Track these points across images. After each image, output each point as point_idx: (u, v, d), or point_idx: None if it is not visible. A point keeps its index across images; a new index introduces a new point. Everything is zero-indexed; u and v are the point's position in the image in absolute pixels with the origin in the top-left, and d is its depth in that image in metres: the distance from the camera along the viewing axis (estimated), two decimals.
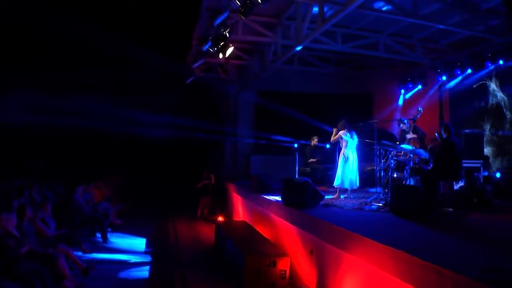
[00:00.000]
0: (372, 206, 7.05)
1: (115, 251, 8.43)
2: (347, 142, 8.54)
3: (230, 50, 8.80)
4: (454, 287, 3.36)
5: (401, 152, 8.04)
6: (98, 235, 9.35)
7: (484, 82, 10.15)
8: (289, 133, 16.33)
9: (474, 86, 10.44)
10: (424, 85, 12.35)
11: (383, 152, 10.33)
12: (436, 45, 11.56)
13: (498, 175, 8.92)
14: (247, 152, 15.69)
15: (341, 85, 15.82)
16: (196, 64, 10.94)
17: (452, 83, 11.09)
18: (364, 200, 7.98)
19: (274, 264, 6.64)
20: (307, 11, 9.24)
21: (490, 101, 9.99)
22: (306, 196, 7.11)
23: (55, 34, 14.00)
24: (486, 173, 8.45)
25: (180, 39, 13.38)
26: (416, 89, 12.65)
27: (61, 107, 14.71)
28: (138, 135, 15.80)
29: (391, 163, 7.32)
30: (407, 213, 5.92)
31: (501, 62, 9.44)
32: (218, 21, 7.60)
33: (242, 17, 7.00)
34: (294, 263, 6.83)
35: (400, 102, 13.24)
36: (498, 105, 9.80)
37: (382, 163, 7.88)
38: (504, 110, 9.65)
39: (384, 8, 9.43)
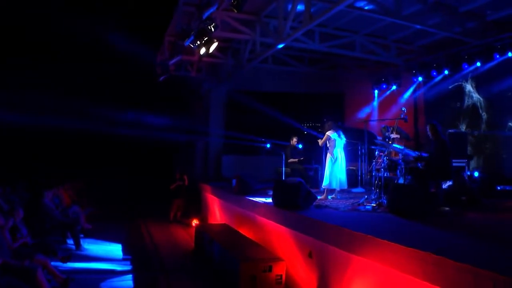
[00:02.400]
0: (367, 207, 6.94)
1: (92, 259, 7.82)
2: (335, 141, 8.42)
3: (214, 46, 8.44)
4: None
5: (391, 152, 8.03)
6: (70, 241, 8.70)
7: (460, 83, 10.39)
8: (261, 133, 16.16)
9: (450, 87, 10.66)
10: (398, 86, 12.51)
11: (366, 151, 10.43)
12: (410, 46, 11.75)
13: (476, 174, 9.14)
14: (219, 152, 15.35)
15: (313, 84, 15.83)
16: (172, 61, 10.45)
17: (429, 84, 11.27)
18: (353, 200, 7.88)
19: (270, 269, 6.37)
20: (291, 8, 9.04)
21: (466, 102, 10.24)
22: (299, 197, 6.88)
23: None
24: (469, 173, 8.61)
25: (154, 34, 12.82)
26: (390, 90, 12.78)
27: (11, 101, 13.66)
28: (104, 134, 14.97)
29: (384, 162, 7.24)
30: (408, 212, 5.84)
31: (478, 64, 9.66)
32: (206, 14, 7.23)
33: (235, 10, 6.68)
34: (289, 267, 6.58)
35: (375, 102, 13.33)
36: (474, 106, 10.06)
37: (373, 163, 7.80)
38: (480, 111, 9.91)
39: (366, 8, 9.43)
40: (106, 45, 13.80)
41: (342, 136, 8.56)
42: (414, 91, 11.91)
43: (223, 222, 10.36)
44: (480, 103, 9.89)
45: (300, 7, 9.27)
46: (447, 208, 6.34)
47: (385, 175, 7.55)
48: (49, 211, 8.13)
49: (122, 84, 14.66)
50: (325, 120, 11.90)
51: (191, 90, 15.80)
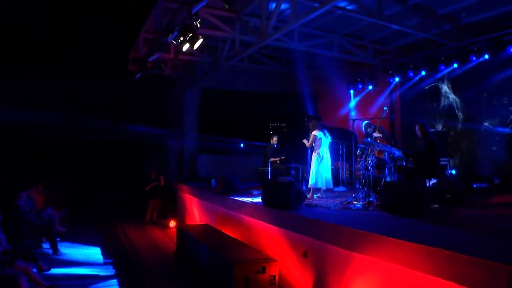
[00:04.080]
0: (357, 205, 6.97)
1: (72, 264, 7.43)
2: (320, 141, 8.41)
3: (199, 42, 8.22)
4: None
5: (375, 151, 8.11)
6: (45, 245, 8.25)
7: (437, 84, 10.67)
8: (236, 132, 16.05)
9: (426, 88, 10.94)
10: (375, 86, 12.71)
11: (345, 150, 10.54)
12: (387, 47, 11.99)
13: (454, 172, 9.42)
14: (194, 152, 15.09)
15: (286, 84, 15.87)
16: (152, 58, 10.12)
17: (405, 84, 11.52)
18: (339, 199, 7.91)
19: (263, 270, 6.28)
20: (275, 7, 8.98)
21: (442, 102, 10.53)
22: (290, 196, 6.81)
23: None
24: (450, 171, 8.85)
25: (127, 31, 12.41)
26: (367, 90, 12.97)
27: None
28: (74, 135, 14.38)
29: (373, 161, 7.31)
30: (402, 210, 5.89)
31: (455, 65, 9.95)
32: (196, 9, 7.04)
33: (226, 5, 6.53)
34: (282, 267, 6.50)
35: (353, 103, 13.50)
36: (450, 106, 10.36)
37: (361, 162, 7.85)
38: (456, 111, 10.23)
39: (348, 7, 9.52)
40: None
41: (328, 135, 8.58)
42: (391, 91, 12.13)
43: (203, 223, 10.16)
44: (456, 104, 10.20)
45: (283, 6, 9.28)
46: (436, 206, 6.46)
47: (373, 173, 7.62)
48: (25, 214, 7.67)
49: (93, 83, 14.08)
50: (306, 119, 11.95)
51: (166, 89, 15.44)
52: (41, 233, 8.15)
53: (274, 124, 17.86)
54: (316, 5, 8.15)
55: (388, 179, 7.29)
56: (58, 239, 8.53)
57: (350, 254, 5.13)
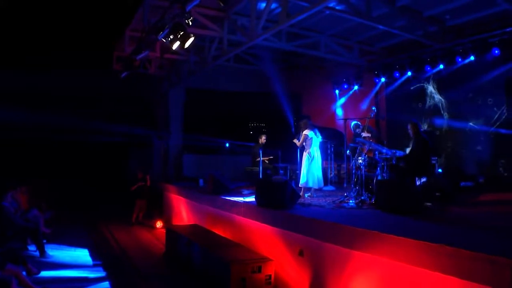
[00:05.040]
0: (350, 204, 7.03)
1: (60, 267, 7.24)
2: (311, 140, 8.43)
3: (190, 41, 8.14)
4: None
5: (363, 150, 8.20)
6: (30, 248, 8.03)
7: (422, 84, 10.87)
8: (221, 132, 15.99)
9: (412, 88, 11.13)
10: (360, 86, 12.86)
11: (333, 150, 10.63)
12: (372, 48, 12.15)
13: (440, 170, 9.61)
14: (179, 152, 14.96)
15: (271, 84, 15.85)
16: (140, 56, 9.96)
17: (391, 85, 11.69)
18: (330, 198, 7.95)
19: (259, 269, 6.27)
20: (265, 6, 8.96)
21: (428, 102, 10.73)
22: (285, 196, 6.80)
23: None
24: (438, 170, 9.03)
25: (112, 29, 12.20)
26: (352, 90, 13.10)
27: None
28: (55, 135, 14.04)
29: (365, 160, 7.38)
30: (398, 208, 5.97)
31: (441, 66, 10.15)
32: (190, 6, 6.96)
33: (221, 4, 6.49)
34: (277, 266, 6.50)
35: (339, 103, 13.62)
36: (436, 106, 10.57)
37: (353, 161, 7.93)
38: (442, 111, 10.44)
39: (337, 8, 9.59)
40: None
41: (318, 134, 8.61)
42: (377, 92, 12.29)
43: (191, 223, 10.07)
44: (441, 104, 10.41)
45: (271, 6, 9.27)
46: (429, 204, 6.57)
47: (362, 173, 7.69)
48: (10, 216, 7.43)
49: (76, 82, 13.77)
50: (295, 119, 12.02)
51: (150, 89, 15.25)
52: (27, 235, 7.92)
53: (253, 124, 17.88)
54: (306, 4, 8.20)
55: (379, 178, 7.38)
56: (45, 241, 8.30)
57: (349, 252, 5.17)
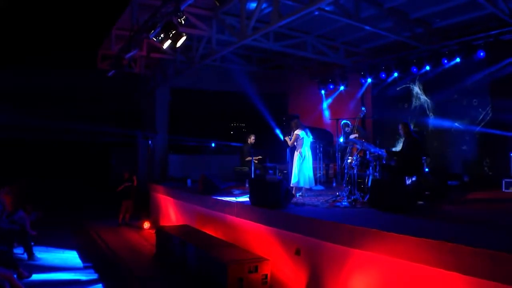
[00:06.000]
0: (343, 203, 7.10)
1: (51, 269, 7.08)
2: (303, 140, 8.48)
3: (182, 40, 8.08)
4: None
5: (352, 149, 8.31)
6: (16, 250, 7.82)
7: (408, 85, 11.08)
8: (207, 132, 15.94)
9: (398, 89, 11.33)
10: (346, 86, 13.00)
11: (322, 149, 10.71)
12: (357, 48, 12.31)
13: (427, 170, 9.80)
14: (165, 152, 14.82)
15: (257, 84, 15.87)
16: (129, 55, 9.82)
17: (377, 85, 11.86)
18: (322, 198, 8.00)
19: (256, 269, 6.26)
20: (257, 6, 8.96)
21: (414, 103, 10.94)
22: (280, 195, 6.83)
23: None
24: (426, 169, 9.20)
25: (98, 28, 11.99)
26: (339, 91, 13.24)
27: None
28: (32, 132, 13.71)
29: (357, 160, 7.47)
30: (392, 207, 6.07)
31: (427, 68, 10.36)
32: (184, 5, 6.91)
33: (217, 3, 6.46)
34: (273, 266, 6.51)
35: (326, 103, 13.73)
36: (421, 107, 10.78)
37: (345, 160, 8.01)
38: (428, 112, 10.66)
39: (327, 8, 9.67)
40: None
41: (309, 134, 8.68)
42: (363, 92, 12.45)
43: (181, 224, 9.98)
44: (427, 104, 10.63)
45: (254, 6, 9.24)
46: (421, 202, 6.71)
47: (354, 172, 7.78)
48: None
49: (60, 81, 13.50)
50: (284, 118, 12.07)
51: (136, 88, 15.06)
52: (13, 238, 7.71)
53: (234, 124, 17.89)
54: (297, 5, 8.25)
55: (371, 177, 7.48)
56: (32, 243, 8.10)
57: (348, 250, 5.23)
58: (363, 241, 4.96)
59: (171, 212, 11.13)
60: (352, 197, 7.24)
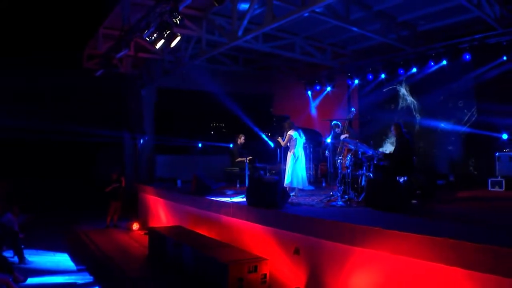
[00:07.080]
0: (339, 202, 7.21)
1: (44, 273, 6.94)
2: (296, 140, 8.57)
3: (177, 40, 8.06)
4: None
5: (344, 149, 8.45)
6: (6, 254, 7.62)
7: (395, 87, 11.31)
8: (194, 132, 15.84)
9: (385, 90, 11.55)
10: (333, 87, 13.17)
11: (311, 150, 10.83)
12: (344, 50, 12.49)
13: None
14: (152, 152, 14.68)
15: (242, 84, 15.91)
16: (120, 54, 9.70)
17: (364, 87, 12.06)
18: (315, 197, 8.11)
19: (255, 269, 6.31)
20: (249, 7, 9.00)
21: (400, 104, 11.19)
22: (277, 195, 6.89)
23: None
24: None
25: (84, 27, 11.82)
26: (326, 92, 13.39)
27: None
28: (16, 132, 13.38)
29: (350, 160, 7.60)
30: (387, 206, 6.21)
31: (414, 70, 10.61)
32: (183, 5, 6.90)
33: (216, 4, 6.48)
34: (271, 265, 6.57)
35: (314, 104, 13.87)
36: (408, 108, 11.03)
37: (339, 160, 8.14)
38: (414, 113, 10.91)
39: (317, 10, 9.79)
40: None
41: (302, 135, 8.77)
42: (350, 93, 12.64)
43: (172, 224, 9.94)
44: (414, 105, 10.89)
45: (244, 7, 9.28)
46: (414, 201, 6.88)
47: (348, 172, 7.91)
48: None
49: (44, 81, 13.22)
50: (275, 119, 12.13)
51: (121, 88, 14.88)
52: (3, 241, 7.53)
53: (214, 124, 17.86)
54: (290, 7, 8.32)
55: (364, 177, 7.63)
56: (23, 246, 7.93)
57: (348, 248, 5.32)
58: (365, 239, 5.06)
59: (161, 213, 11.06)
60: (346, 197, 7.37)
